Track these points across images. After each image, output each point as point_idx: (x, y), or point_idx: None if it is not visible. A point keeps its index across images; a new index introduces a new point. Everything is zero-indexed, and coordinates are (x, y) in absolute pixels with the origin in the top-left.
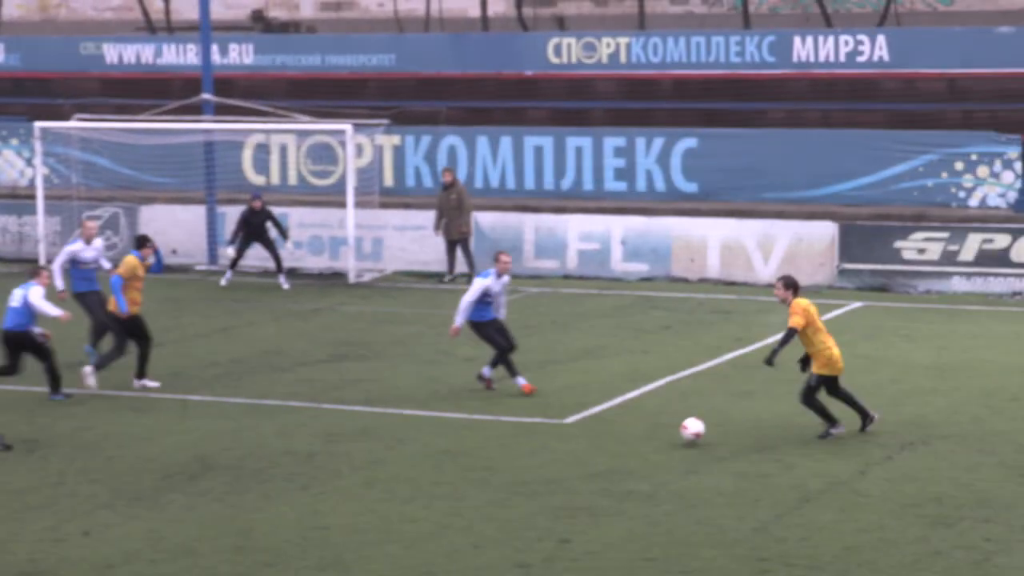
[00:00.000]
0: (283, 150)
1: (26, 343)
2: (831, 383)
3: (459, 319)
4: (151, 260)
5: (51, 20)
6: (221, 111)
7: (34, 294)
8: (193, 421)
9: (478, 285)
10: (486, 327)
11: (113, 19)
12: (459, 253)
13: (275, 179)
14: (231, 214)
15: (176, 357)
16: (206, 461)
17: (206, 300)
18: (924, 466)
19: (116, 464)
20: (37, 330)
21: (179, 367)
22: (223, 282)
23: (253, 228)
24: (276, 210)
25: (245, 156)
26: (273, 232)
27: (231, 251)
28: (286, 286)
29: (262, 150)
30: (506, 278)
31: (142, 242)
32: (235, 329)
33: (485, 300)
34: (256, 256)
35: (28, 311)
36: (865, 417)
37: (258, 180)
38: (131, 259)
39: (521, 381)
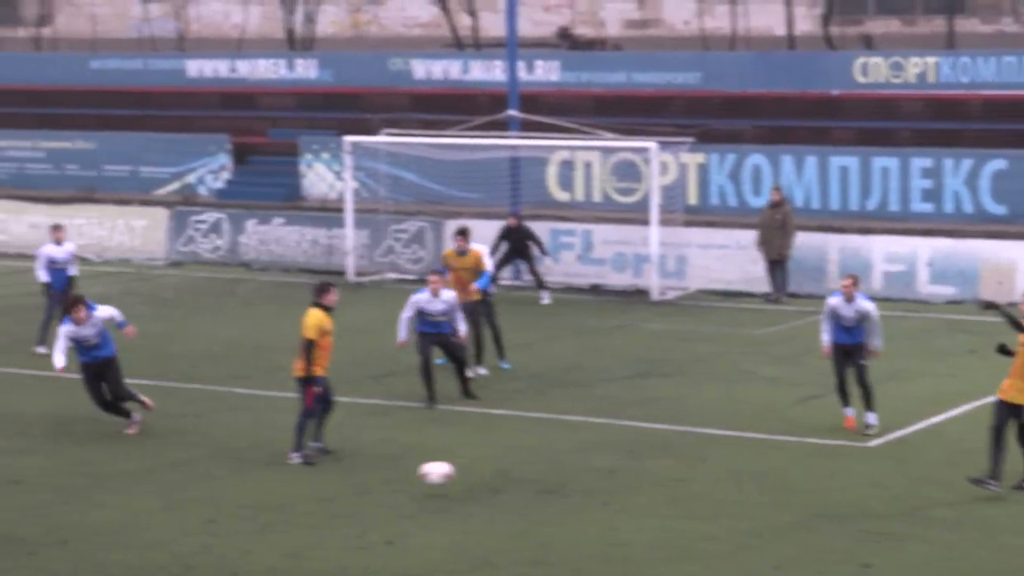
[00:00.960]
0: (587, 167)
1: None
2: None
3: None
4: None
5: (362, 37)
6: (526, 127)
7: None
8: (495, 435)
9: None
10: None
11: (422, 35)
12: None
13: (579, 195)
14: (537, 230)
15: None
16: (507, 475)
17: (509, 315)
18: None
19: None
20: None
21: (481, 381)
22: (545, 301)
23: (513, 245)
24: (580, 227)
25: (550, 172)
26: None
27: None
28: (546, 301)
29: (567, 167)
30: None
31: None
32: (536, 344)
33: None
34: (560, 272)
35: None
36: None
37: (562, 196)
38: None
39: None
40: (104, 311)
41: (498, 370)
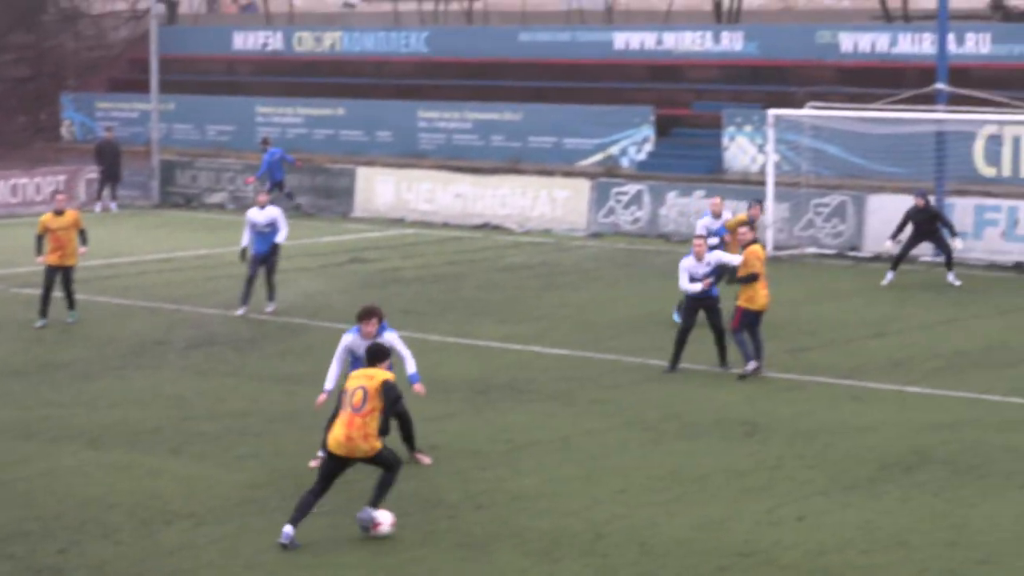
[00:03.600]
0: (1016, 142)
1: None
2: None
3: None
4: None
5: (789, 9)
6: (954, 101)
7: None
8: (912, 413)
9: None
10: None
11: (850, 8)
12: None
13: (1006, 171)
14: (961, 205)
15: (898, 348)
16: (923, 454)
17: (928, 290)
18: None
19: (832, 451)
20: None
21: (901, 358)
22: (884, 283)
23: (920, 226)
24: (1006, 203)
25: (976, 147)
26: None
27: (889, 244)
28: (956, 283)
29: (994, 141)
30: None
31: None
32: (959, 321)
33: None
34: (984, 249)
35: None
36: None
37: (988, 172)
38: None
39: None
40: (393, 340)
41: (917, 347)
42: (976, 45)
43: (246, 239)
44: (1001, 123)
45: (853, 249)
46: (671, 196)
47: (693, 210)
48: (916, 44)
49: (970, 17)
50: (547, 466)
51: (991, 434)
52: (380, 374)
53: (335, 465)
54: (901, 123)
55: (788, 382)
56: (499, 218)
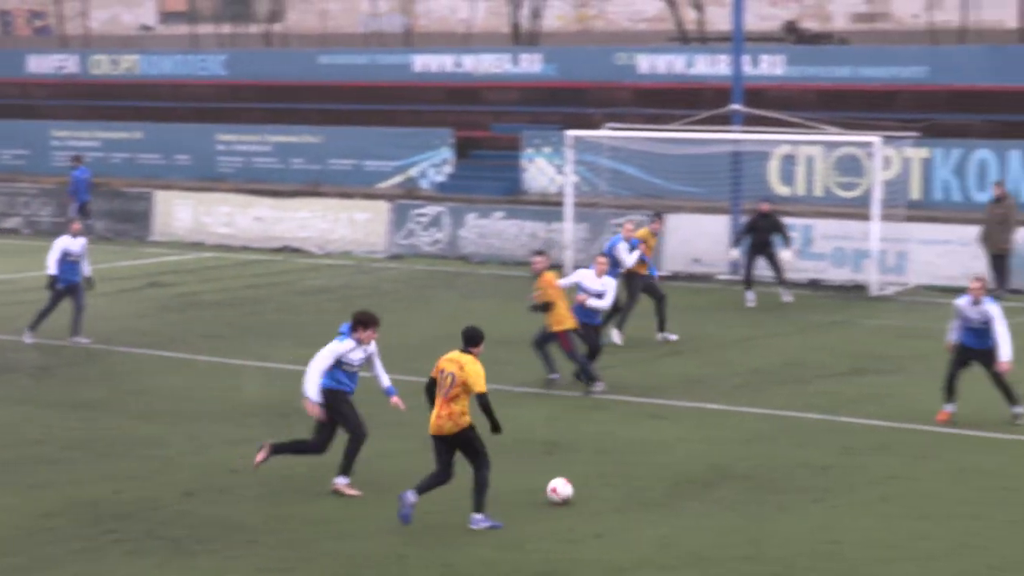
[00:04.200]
0: (810, 161)
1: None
2: None
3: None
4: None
5: (587, 31)
6: (749, 122)
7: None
8: (710, 430)
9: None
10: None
11: (647, 30)
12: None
13: (800, 190)
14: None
15: (696, 366)
16: (721, 470)
17: (726, 309)
18: None
19: (632, 469)
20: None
21: (699, 376)
22: (748, 304)
23: (759, 234)
24: (800, 221)
25: (771, 167)
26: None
27: (735, 253)
28: (787, 299)
29: (789, 161)
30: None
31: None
32: (756, 339)
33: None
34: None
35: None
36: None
37: (783, 191)
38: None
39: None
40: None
41: (715, 366)
42: (770, 67)
43: (54, 267)
44: (795, 143)
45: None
46: (471, 218)
47: (492, 231)
48: (712, 66)
49: (765, 39)
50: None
51: (788, 450)
52: (470, 367)
53: (439, 446)
54: (698, 143)
55: (588, 401)
56: (299, 241)
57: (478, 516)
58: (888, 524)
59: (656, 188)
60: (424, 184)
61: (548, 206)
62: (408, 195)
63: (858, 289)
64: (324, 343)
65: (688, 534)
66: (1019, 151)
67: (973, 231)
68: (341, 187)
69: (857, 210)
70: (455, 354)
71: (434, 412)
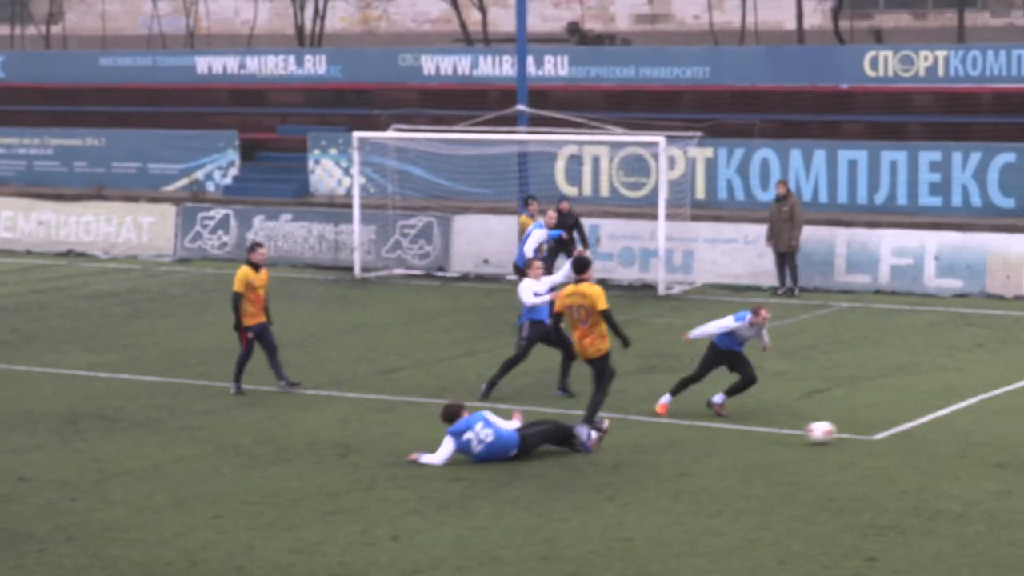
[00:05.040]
0: (596, 162)
1: None
2: None
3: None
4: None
5: (372, 33)
6: (535, 122)
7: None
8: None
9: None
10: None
11: (432, 31)
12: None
13: (587, 190)
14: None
15: (488, 366)
16: (514, 470)
17: (516, 310)
18: None
19: (425, 470)
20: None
21: (488, 377)
22: None
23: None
24: (587, 221)
25: (558, 167)
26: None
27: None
28: None
29: (575, 161)
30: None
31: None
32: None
33: None
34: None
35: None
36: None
37: (570, 191)
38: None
39: None
40: None
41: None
42: (555, 68)
43: None
44: (581, 143)
45: (440, 269)
46: (258, 220)
47: (279, 234)
48: (497, 67)
49: (549, 40)
50: (138, 495)
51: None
52: (593, 295)
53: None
54: (484, 144)
55: (380, 403)
56: (84, 245)
57: (582, 427)
58: (679, 521)
59: (443, 189)
60: (211, 187)
61: (336, 208)
62: (194, 198)
63: (646, 288)
64: (112, 347)
65: (483, 534)
66: (799, 150)
67: (757, 229)
68: (126, 190)
69: (643, 210)
70: (575, 288)
71: (577, 343)
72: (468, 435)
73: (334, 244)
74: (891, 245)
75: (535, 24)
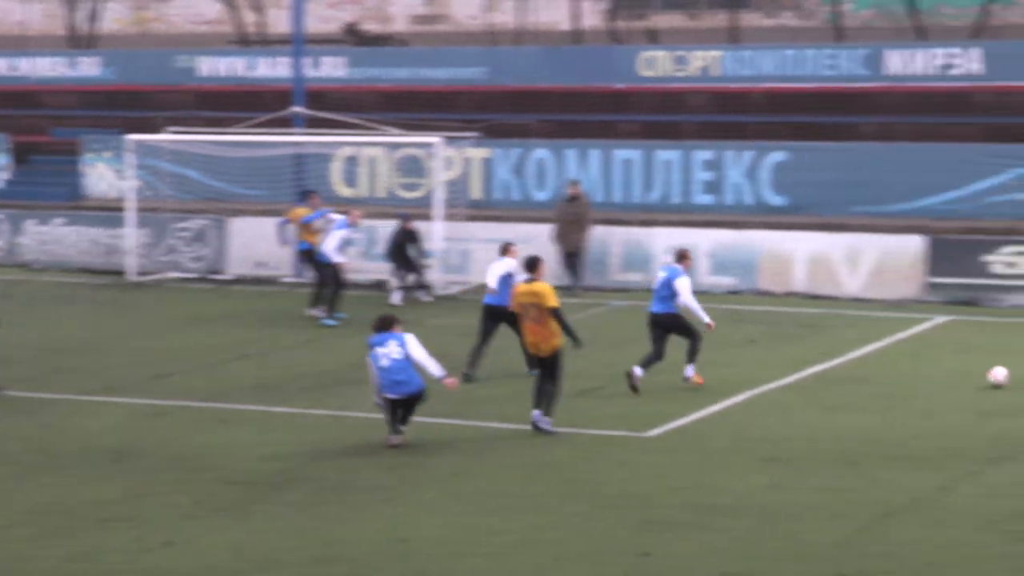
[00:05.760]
0: (372, 163)
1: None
2: None
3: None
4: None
5: (146, 34)
6: (312, 124)
7: None
8: (278, 433)
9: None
10: None
11: (208, 32)
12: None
13: (364, 191)
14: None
15: (263, 370)
16: (290, 473)
17: (293, 312)
18: (1010, 482)
19: (200, 475)
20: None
21: (266, 379)
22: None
23: (400, 244)
24: (365, 223)
25: (335, 169)
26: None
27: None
28: (398, 300)
29: (352, 163)
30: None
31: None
32: (320, 341)
33: None
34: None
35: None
36: None
37: (347, 192)
38: None
39: None
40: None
41: (281, 369)
42: (332, 69)
43: None
44: (357, 145)
45: (215, 273)
46: (30, 224)
47: (52, 238)
48: (273, 68)
49: (326, 41)
50: None
51: (355, 451)
52: (543, 293)
53: (536, 361)
54: (260, 146)
55: (154, 408)
56: None
57: (538, 414)
58: (456, 521)
59: (218, 192)
60: None
61: (110, 211)
62: None
63: (423, 289)
64: None
65: (259, 538)
66: (574, 150)
67: (534, 229)
68: None
69: (420, 210)
70: (527, 287)
71: (529, 339)
72: (379, 350)
73: (108, 248)
74: (665, 243)
75: (312, 25)
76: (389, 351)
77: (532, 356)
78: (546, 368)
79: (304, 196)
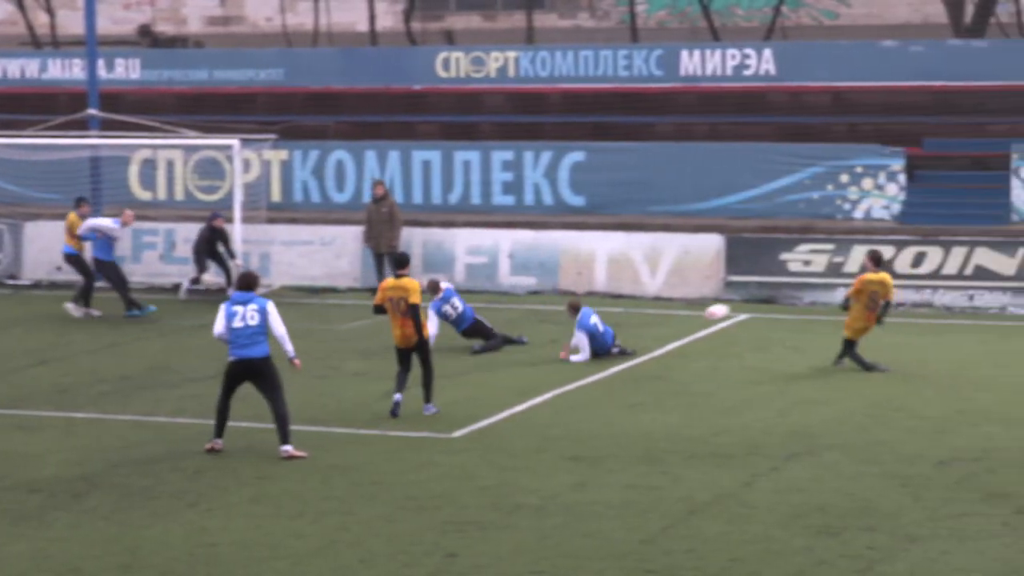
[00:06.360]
0: (170, 165)
1: None
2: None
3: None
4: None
5: None
6: (108, 126)
7: None
8: (79, 439)
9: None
10: None
11: None
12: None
13: (162, 194)
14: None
15: (62, 375)
16: (92, 479)
17: (91, 317)
18: (809, 476)
19: (0, 483)
20: None
21: (66, 384)
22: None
23: (213, 244)
24: (162, 226)
25: (132, 171)
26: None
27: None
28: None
29: (149, 165)
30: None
31: None
32: (122, 345)
33: None
34: (142, 272)
35: None
36: None
37: (144, 195)
38: None
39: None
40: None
41: (82, 374)
42: (127, 71)
43: None
44: (154, 147)
45: (12, 277)
46: None
47: None
48: (67, 70)
49: (120, 43)
50: None
51: (159, 456)
52: (410, 288)
53: (403, 355)
54: (54, 149)
55: None
56: None
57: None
58: (262, 524)
59: (13, 195)
60: None
61: None
62: None
63: (223, 292)
64: None
65: (61, 546)
66: (374, 151)
67: (334, 231)
68: None
69: (223, 212)
70: (395, 282)
71: (399, 332)
72: (238, 308)
73: None
74: (466, 244)
75: (105, 26)
76: (247, 315)
77: (402, 349)
78: (419, 357)
79: (77, 203)
